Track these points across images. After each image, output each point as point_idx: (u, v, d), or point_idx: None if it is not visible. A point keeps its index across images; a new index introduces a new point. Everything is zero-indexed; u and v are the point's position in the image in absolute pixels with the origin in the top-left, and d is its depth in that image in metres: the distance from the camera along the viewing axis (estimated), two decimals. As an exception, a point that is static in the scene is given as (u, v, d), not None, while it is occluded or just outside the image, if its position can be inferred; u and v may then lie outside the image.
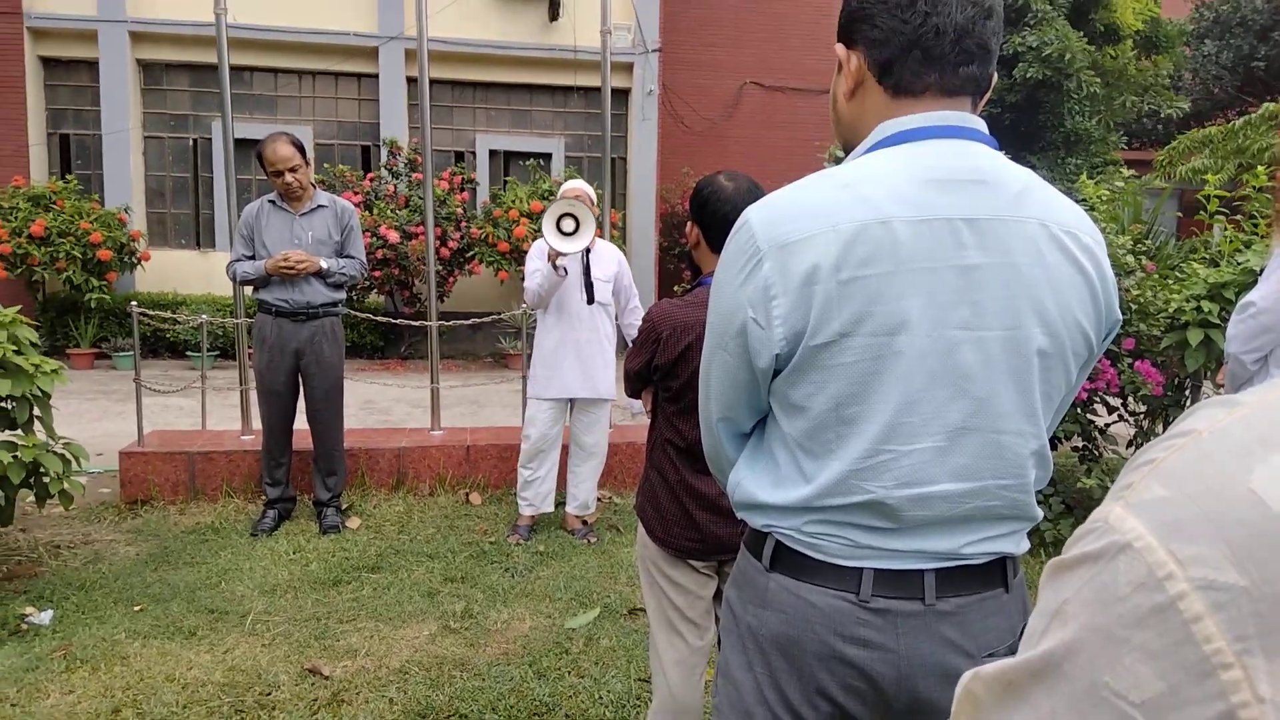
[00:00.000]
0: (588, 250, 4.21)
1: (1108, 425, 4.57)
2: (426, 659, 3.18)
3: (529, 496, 4.50)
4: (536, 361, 4.45)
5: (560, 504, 4.69)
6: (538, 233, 4.06)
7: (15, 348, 3.54)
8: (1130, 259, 4.37)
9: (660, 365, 2.18)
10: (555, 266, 4.14)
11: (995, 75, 1.18)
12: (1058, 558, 0.53)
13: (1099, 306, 1.17)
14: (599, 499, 4.91)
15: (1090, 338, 1.17)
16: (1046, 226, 1.12)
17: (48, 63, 11.27)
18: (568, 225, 4.06)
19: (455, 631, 3.41)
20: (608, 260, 4.46)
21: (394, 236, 10.04)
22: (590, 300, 4.32)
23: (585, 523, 4.62)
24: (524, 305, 4.65)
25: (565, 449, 4.63)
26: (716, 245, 2.06)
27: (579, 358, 4.35)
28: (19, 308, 3.77)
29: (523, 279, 4.49)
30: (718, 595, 2.27)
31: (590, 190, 4.43)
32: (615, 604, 3.68)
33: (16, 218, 9.59)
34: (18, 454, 3.52)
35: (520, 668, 3.12)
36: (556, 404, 4.44)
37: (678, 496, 2.18)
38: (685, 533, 2.18)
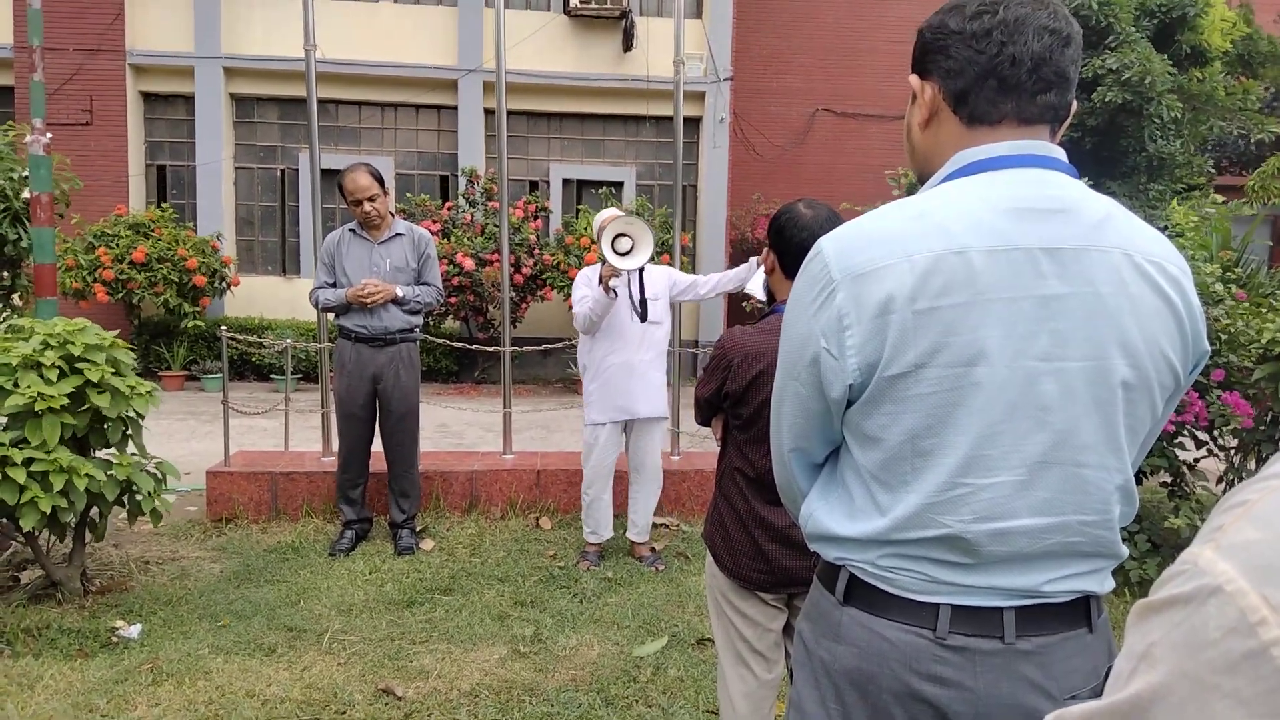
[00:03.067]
0: (641, 270, 4.23)
1: (1196, 460, 4.39)
2: (497, 682, 3.20)
3: (591, 522, 4.52)
4: (591, 385, 4.45)
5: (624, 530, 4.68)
6: (604, 258, 4.07)
7: (114, 370, 3.71)
8: (1219, 288, 4.21)
9: (731, 393, 2.17)
10: (606, 289, 4.17)
11: (1074, 103, 1.16)
12: (1145, 599, 0.52)
13: (1185, 337, 1.13)
14: (667, 525, 4.89)
15: (1176, 369, 1.14)
16: (1130, 256, 1.09)
17: (147, 97, 11.88)
18: (623, 245, 4.08)
19: (525, 656, 3.44)
20: (657, 277, 4.48)
21: (469, 264, 10.26)
22: (644, 318, 4.32)
23: (654, 550, 4.61)
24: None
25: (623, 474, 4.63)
26: (792, 272, 2.06)
27: (633, 378, 4.35)
28: (118, 331, 3.96)
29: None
30: (788, 628, 2.24)
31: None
32: (683, 633, 3.66)
33: (119, 245, 10.10)
34: (112, 472, 3.68)
35: (589, 695, 3.12)
36: (613, 427, 4.45)
37: (747, 527, 2.17)
38: (754, 564, 2.16)
